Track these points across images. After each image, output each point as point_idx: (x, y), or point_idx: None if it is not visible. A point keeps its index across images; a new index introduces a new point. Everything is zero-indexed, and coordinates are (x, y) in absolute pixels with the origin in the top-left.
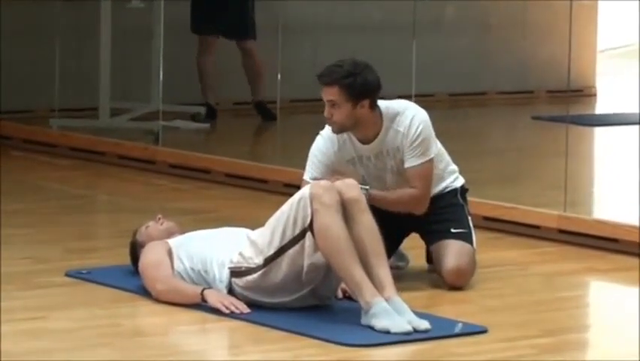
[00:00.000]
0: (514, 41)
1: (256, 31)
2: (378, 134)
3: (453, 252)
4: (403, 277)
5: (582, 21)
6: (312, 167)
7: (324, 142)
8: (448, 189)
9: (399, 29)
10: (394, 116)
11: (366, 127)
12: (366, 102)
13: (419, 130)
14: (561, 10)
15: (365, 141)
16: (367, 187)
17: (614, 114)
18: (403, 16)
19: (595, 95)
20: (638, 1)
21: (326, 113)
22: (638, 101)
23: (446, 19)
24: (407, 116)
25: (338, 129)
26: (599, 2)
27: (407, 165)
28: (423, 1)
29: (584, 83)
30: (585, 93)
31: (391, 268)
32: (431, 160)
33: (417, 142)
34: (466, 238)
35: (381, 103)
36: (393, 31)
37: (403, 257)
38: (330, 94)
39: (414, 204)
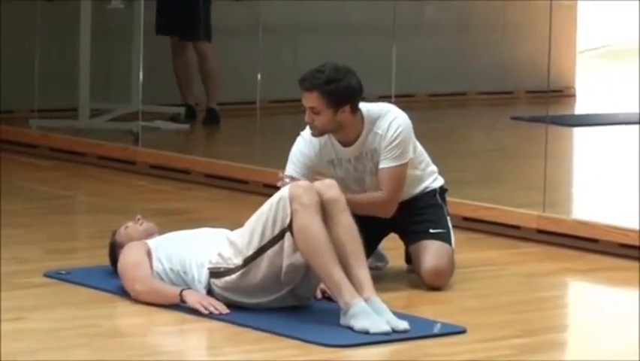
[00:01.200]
0: (494, 42)
1: (211, 33)
2: (359, 137)
3: (432, 252)
4: (381, 278)
5: (562, 21)
6: (292, 167)
7: (304, 143)
8: (428, 189)
9: (379, 30)
10: (375, 119)
11: (347, 130)
12: (347, 108)
13: (397, 132)
14: (540, 10)
15: (346, 144)
16: None
17: (594, 115)
18: (382, 18)
19: (574, 95)
20: (618, 2)
21: (307, 119)
22: (639, 101)
23: (426, 20)
24: (387, 119)
25: (318, 133)
26: (579, 3)
27: (381, 165)
28: (402, 1)
29: (563, 83)
30: (565, 94)
31: (370, 268)
32: (405, 165)
33: (393, 144)
34: (445, 238)
35: (362, 106)
36: (373, 32)
37: (382, 257)
38: (310, 100)
39: (380, 207)
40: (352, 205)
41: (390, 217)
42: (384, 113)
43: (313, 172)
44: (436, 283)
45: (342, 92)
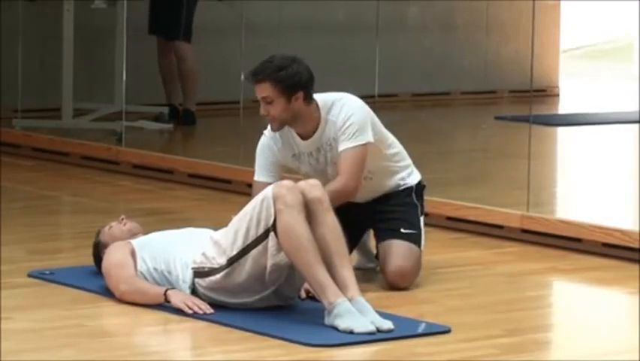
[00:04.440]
0: (477, 41)
1: (191, 35)
2: (317, 128)
3: (399, 253)
4: (366, 278)
5: (545, 21)
6: (260, 166)
7: (267, 141)
8: (403, 187)
9: (362, 29)
10: (330, 107)
11: (304, 122)
12: (300, 95)
13: (349, 114)
14: (524, 10)
15: (305, 137)
16: None
17: (577, 114)
18: (366, 17)
19: (558, 95)
20: (601, 2)
21: (262, 111)
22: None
23: (409, 20)
24: (340, 105)
25: (277, 126)
26: (562, 2)
27: (339, 149)
28: (386, 1)
29: (546, 83)
30: (548, 93)
31: (361, 269)
32: (363, 147)
33: (346, 125)
34: (415, 239)
35: (317, 96)
36: (357, 32)
37: (373, 258)
38: (262, 91)
39: (340, 193)
40: None
41: (364, 212)
42: (337, 101)
43: (281, 168)
44: (400, 284)
45: (292, 78)
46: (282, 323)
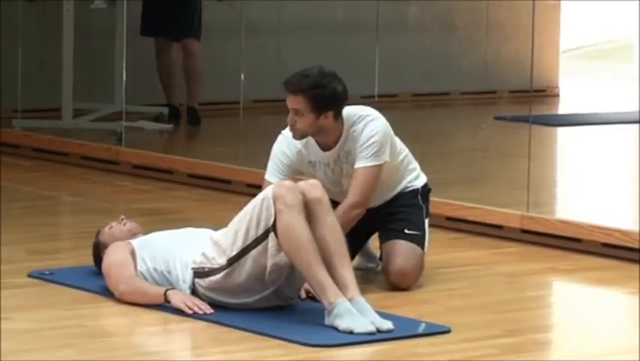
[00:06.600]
0: (477, 41)
1: (201, 33)
2: (338, 140)
3: (401, 253)
4: (366, 278)
5: (545, 21)
6: (274, 167)
7: (286, 142)
8: (409, 188)
9: (362, 30)
10: (354, 121)
11: (327, 135)
12: (330, 113)
13: (372, 133)
14: (524, 10)
15: (325, 147)
16: None
17: (577, 114)
18: (366, 17)
19: (557, 95)
20: (601, 2)
21: (289, 120)
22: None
23: (409, 20)
24: (364, 121)
25: (299, 136)
26: (562, 2)
27: (356, 165)
28: (386, 1)
29: (546, 83)
30: (548, 93)
31: (361, 269)
32: (379, 167)
33: (367, 143)
34: (419, 240)
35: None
36: (357, 32)
37: (373, 258)
38: (295, 103)
39: (352, 213)
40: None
41: (371, 216)
42: (362, 117)
43: (294, 171)
44: (402, 284)
45: (327, 98)
46: (282, 323)
